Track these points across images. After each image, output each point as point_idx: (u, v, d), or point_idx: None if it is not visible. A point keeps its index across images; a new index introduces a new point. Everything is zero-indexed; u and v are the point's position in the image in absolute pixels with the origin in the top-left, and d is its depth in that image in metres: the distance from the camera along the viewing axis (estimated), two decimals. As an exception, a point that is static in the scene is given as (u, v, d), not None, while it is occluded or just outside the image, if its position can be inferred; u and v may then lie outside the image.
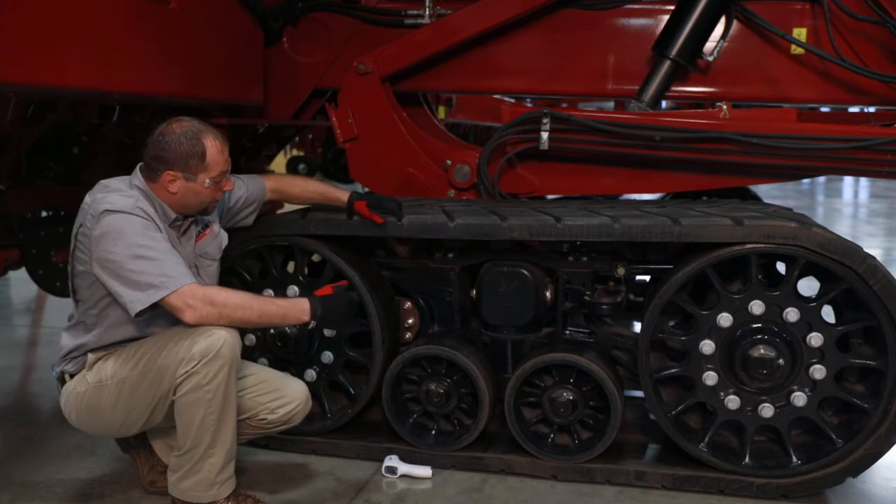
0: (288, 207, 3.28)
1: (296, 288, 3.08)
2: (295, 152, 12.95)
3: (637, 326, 3.01)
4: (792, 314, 2.73)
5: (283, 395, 2.70)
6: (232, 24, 3.51)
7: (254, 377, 2.66)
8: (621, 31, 3.62)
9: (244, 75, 3.61)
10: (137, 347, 2.49)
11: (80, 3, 2.63)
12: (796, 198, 14.00)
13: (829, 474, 2.75)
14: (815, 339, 2.72)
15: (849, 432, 2.75)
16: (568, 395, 2.90)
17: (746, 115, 3.36)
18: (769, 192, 11.26)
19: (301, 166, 12.53)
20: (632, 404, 3.20)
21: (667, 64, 3.40)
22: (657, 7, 3.57)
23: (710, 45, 3.46)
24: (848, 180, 17.34)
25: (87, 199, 2.48)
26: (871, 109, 4.02)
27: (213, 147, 2.50)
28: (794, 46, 3.44)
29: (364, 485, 2.86)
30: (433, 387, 2.99)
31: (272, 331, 3.05)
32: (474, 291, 3.10)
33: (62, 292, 4.17)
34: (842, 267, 2.65)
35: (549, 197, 3.90)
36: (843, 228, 9.98)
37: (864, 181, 16.95)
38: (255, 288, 3.04)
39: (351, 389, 3.12)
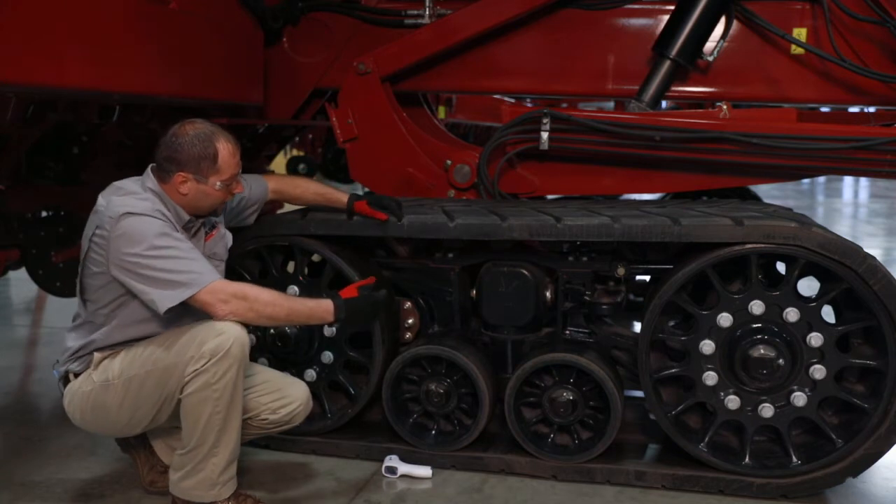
0: (287, 208, 3.28)
1: (296, 288, 3.08)
2: (295, 152, 12.94)
3: (637, 326, 3.01)
4: (792, 314, 2.73)
5: (285, 395, 2.71)
6: (232, 24, 3.51)
7: (255, 377, 2.67)
8: (621, 31, 3.62)
9: (244, 75, 3.61)
10: (145, 346, 2.49)
11: (80, 3, 2.63)
12: (796, 198, 14.00)
13: (829, 474, 2.75)
14: (815, 339, 2.72)
15: (849, 432, 2.75)
16: (568, 395, 2.90)
17: (746, 115, 3.36)
18: (769, 192, 11.26)
19: (301, 166, 12.52)
20: (632, 404, 3.20)
21: (667, 64, 3.40)
22: (657, 7, 3.57)
23: (710, 45, 3.45)
24: (848, 180, 17.34)
25: (101, 201, 2.47)
26: (871, 109, 4.02)
27: (226, 150, 2.52)
28: (794, 46, 3.44)
29: (364, 485, 2.86)
30: (433, 387, 2.99)
31: (272, 330, 3.05)
32: (474, 291, 3.10)
33: (62, 292, 4.18)
34: (842, 267, 2.65)
35: (549, 197, 3.90)
36: (843, 228, 9.98)
37: (864, 181, 16.94)
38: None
39: (351, 389, 3.12)
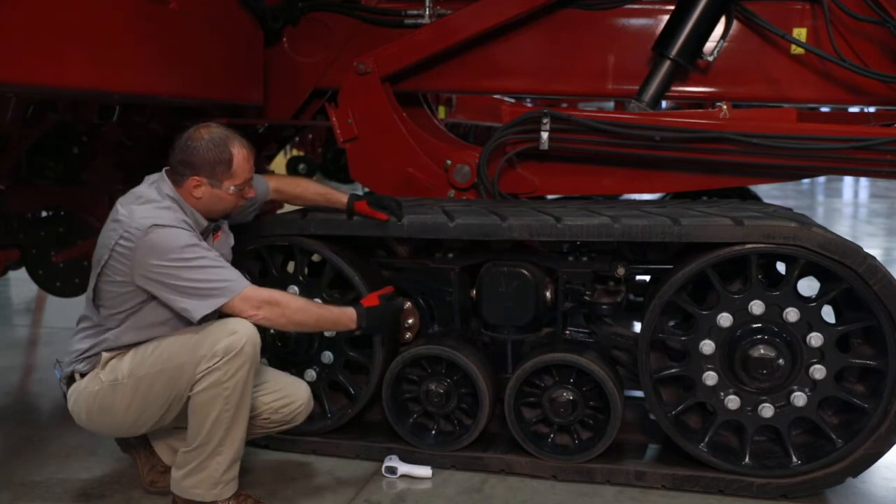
0: (287, 208, 3.28)
1: (296, 288, 3.08)
2: (295, 152, 12.93)
3: (637, 326, 3.01)
4: (792, 314, 2.73)
5: (287, 394, 2.73)
6: (232, 24, 3.51)
7: (258, 376, 2.67)
8: (621, 31, 3.62)
9: (244, 75, 3.61)
10: (156, 345, 2.50)
11: (80, 3, 2.63)
12: (796, 198, 14.00)
13: (829, 474, 2.75)
14: (815, 339, 2.72)
15: (849, 432, 2.75)
16: (568, 395, 2.90)
17: (746, 115, 3.36)
18: (769, 192, 11.26)
19: (301, 166, 12.52)
20: (632, 404, 3.20)
21: (667, 64, 3.40)
22: (657, 7, 3.57)
23: (710, 45, 3.45)
24: (848, 180, 17.34)
25: (122, 210, 2.46)
26: (871, 109, 4.02)
27: (240, 155, 2.53)
28: (794, 46, 3.44)
29: (364, 485, 2.86)
30: (433, 387, 2.99)
31: (272, 330, 3.05)
32: (474, 291, 3.10)
33: (62, 292, 4.18)
34: (842, 267, 2.64)
35: (549, 197, 3.90)
36: (843, 228, 9.97)
37: (864, 181, 16.94)
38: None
39: (351, 389, 3.12)
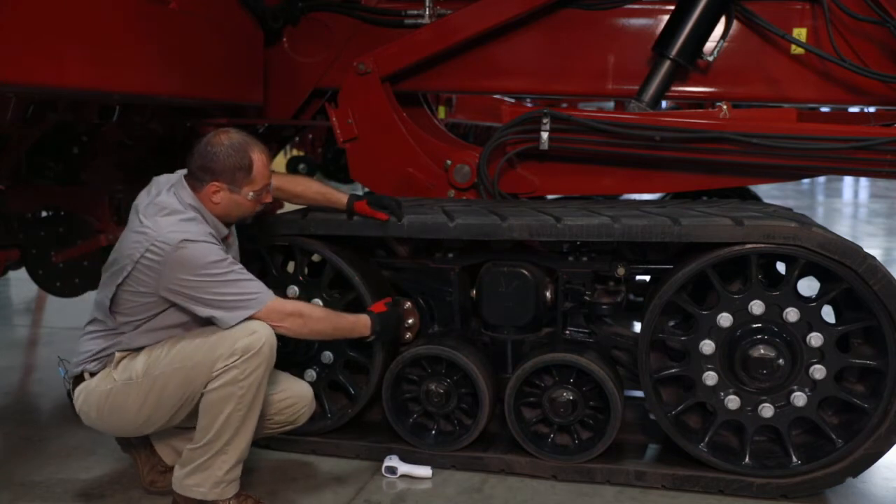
0: (287, 207, 3.28)
1: (296, 288, 3.08)
2: (295, 152, 12.93)
3: (637, 326, 3.01)
4: (792, 314, 2.73)
5: (291, 395, 2.75)
6: (232, 24, 3.51)
7: None
8: (621, 31, 3.62)
9: (244, 75, 3.61)
10: (172, 344, 2.51)
11: (80, 3, 2.63)
12: (796, 198, 14.00)
13: (829, 474, 2.75)
14: (815, 339, 2.72)
15: (849, 432, 2.75)
16: (568, 395, 2.90)
17: (746, 115, 3.36)
18: (769, 192, 11.26)
19: (301, 166, 12.51)
20: (632, 404, 3.20)
21: (667, 64, 3.40)
22: (657, 7, 3.57)
23: (710, 45, 3.45)
24: (848, 180, 17.33)
25: (146, 222, 2.45)
26: (871, 109, 4.02)
27: (260, 161, 2.54)
28: (794, 46, 3.43)
29: (364, 485, 2.86)
30: (433, 387, 2.99)
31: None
32: (474, 291, 3.10)
33: (62, 292, 4.18)
34: (842, 267, 2.65)
35: (549, 197, 3.90)
36: (843, 228, 9.97)
37: (864, 181, 16.94)
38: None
39: (351, 389, 3.12)
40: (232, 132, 2.56)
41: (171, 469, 2.70)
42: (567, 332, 3.09)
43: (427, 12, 3.64)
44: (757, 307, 2.76)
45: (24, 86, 2.58)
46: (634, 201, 3.46)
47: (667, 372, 2.87)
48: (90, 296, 4.19)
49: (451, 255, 3.12)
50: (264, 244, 3.09)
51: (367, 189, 3.67)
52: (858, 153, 3.09)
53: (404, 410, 3.06)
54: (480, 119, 7.99)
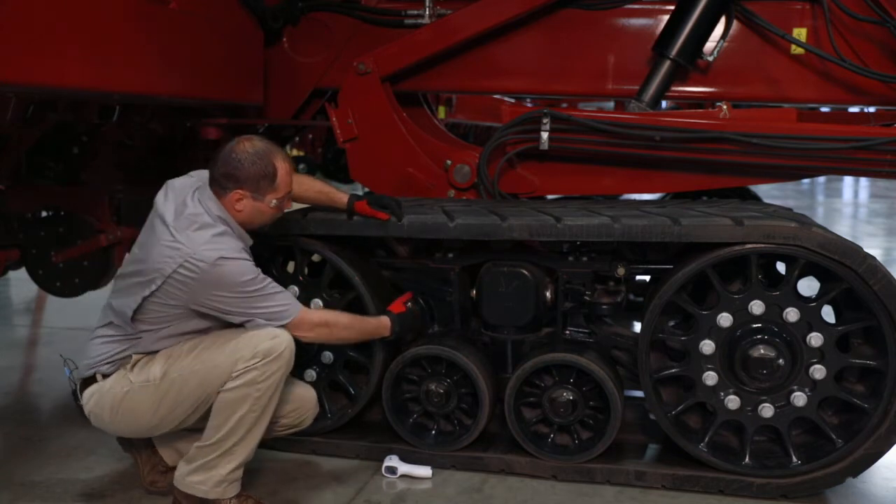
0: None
1: (296, 288, 3.08)
2: (295, 152, 12.92)
3: (637, 326, 3.01)
4: (792, 314, 2.73)
5: (297, 397, 2.77)
6: (232, 24, 3.51)
7: None
8: (621, 31, 3.62)
9: (244, 75, 3.61)
10: (192, 347, 2.52)
11: (80, 3, 2.63)
12: (796, 198, 14.00)
13: (829, 474, 2.75)
14: (815, 339, 2.72)
15: (849, 432, 2.75)
16: (568, 395, 2.90)
17: (746, 115, 3.36)
18: (769, 192, 11.25)
19: (301, 166, 12.51)
20: (632, 404, 3.20)
21: (667, 64, 3.40)
22: (657, 7, 3.57)
23: (710, 45, 3.45)
24: (848, 180, 17.33)
25: (179, 237, 2.43)
26: (871, 109, 4.02)
27: (283, 169, 2.55)
28: (794, 46, 3.43)
29: (364, 485, 2.86)
30: (433, 387, 2.99)
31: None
32: (474, 291, 3.10)
33: (62, 292, 4.18)
34: (842, 267, 2.65)
35: (549, 197, 3.90)
36: (843, 228, 9.97)
37: (864, 181, 16.94)
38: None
39: (351, 389, 3.12)
40: (255, 139, 2.55)
41: (171, 469, 2.70)
42: (567, 332, 3.09)
43: (427, 12, 3.64)
44: (757, 307, 2.76)
45: (24, 86, 2.58)
46: (634, 201, 3.46)
47: (667, 372, 2.87)
48: (90, 296, 4.21)
49: (451, 255, 3.12)
50: (264, 244, 3.09)
51: (366, 189, 3.68)
52: (858, 153, 3.09)
53: (404, 410, 3.07)
54: (480, 119, 7.99)
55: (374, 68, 3.58)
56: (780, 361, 2.74)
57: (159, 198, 2.59)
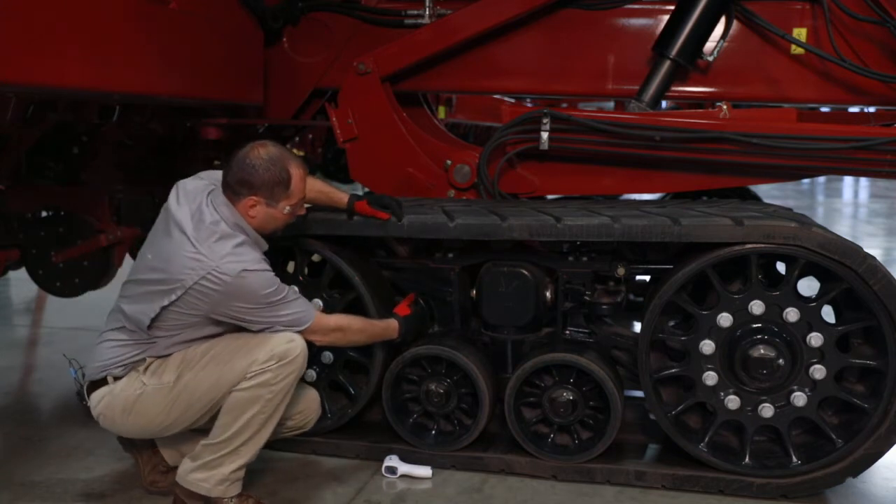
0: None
1: (296, 288, 3.07)
2: (295, 152, 12.93)
3: (637, 326, 3.01)
4: (792, 314, 2.73)
5: (301, 400, 2.79)
6: (232, 24, 3.51)
7: None
8: (621, 31, 3.62)
9: (244, 75, 3.61)
10: (206, 349, 2.52)
11: (80, 3, 2.63)
12: (796, 198, 13.99)
13: (829, 474, 2.75)
14: (815, 339, 2.72)
15: (849, 432, 2.75)
16: (568, 395, 2.90)
17: (746, 115, 3.36)
18: (769, 192, 11.25)
19: (301, 166, 12.49)
20: (632, 404, 3.20)
21: (667, 64, 3.40)
22: (657, 7, 3.57)
23: (710, 45, 3.45)
24: (848, 180, 17.32)
25: (201, 248, 2.41)
26: (871, 109, 4.02)
27: (297, 175, 2.55)
28: (794, 46, 3.43)
29: (364, 485, 2.86)
30: (433, 387, 2.99)
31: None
32: (474, 291, 3.10)
33: (62, 292, 4.18)
34: (842, 267, 2.65)
35: (549, 197, 3.90)
36: (843, 228, 9.97)
37: (864, 181, 16.92)
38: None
39: (351, 389, 3.12)
40: (269, 145, 2.55)
41: (172, 469, 2.70)
42: (567, 332, 3.09)
43: (427, 12, 3.64)
44: (757, 307, 2.76)
45: (24, 86, 2.58)
46: (634, 201, 3.46)
47: (667, 372, 2.87)
48: (90, 296, 4.21)
49: (451, 255, 3.12)
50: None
51: (366, 189, 3.68)
52: (858, 153, 3.09)
53: (404, 410, 3.07)
54: (480, 119, 7.98)
55: (374, 68, 3.58)
56: (780, 361, 2.74)
57: (172, 201, 2.56)
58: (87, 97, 3.23)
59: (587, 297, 3.00)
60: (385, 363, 3.03)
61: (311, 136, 11.38)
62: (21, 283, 5.54)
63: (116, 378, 2.55)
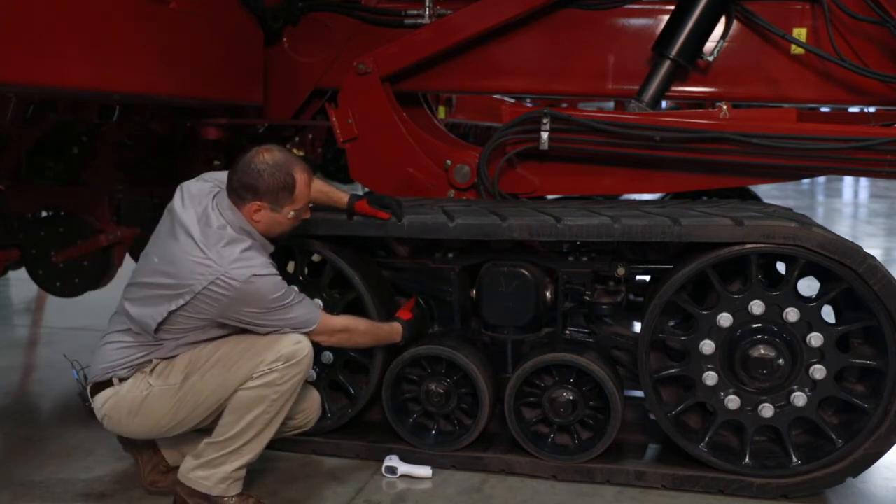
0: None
1: (296, 288, 3.07)
2: (295, 152, 12.93)
3: (637, 326, 3.01)
4: (792, 314, 2.73)
5: (301, 399, 2.77)
6: (232, 24, 3.51)
7: None
8: (621, 31, 3.62)
9: (244, 75, 3.61)
10: (212, 350, 2.52)
11: (80, 3, 2.63)
12: (796, 198, 13.99)
13: (829, 474, 2.75)
14: (815, 339, 2.72)
15: (849, 432, 2.75)
16: (568, 395, 2.90)
17: (746, 115, 3.36)
18: (769, 192, 11.25)
19: (301, 166, 12.49)
20: (632, 404, 3.20)
21: (667, 64, 3.40)
22: (657, 7, 3.57)
23: (710, 45, 3.45)
24: (848, 180, 17.31)
25: (210, 254, 2.41)
26: (871, 109, 4.02)
27: (302, 180, 2.54)
28: (794, 46, 3.43)
29: (364, 485, 2.86)
30: (433, 387, 2.99)
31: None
32: (474, 291, 3.10)
33: (62, 292, 4.18)
34: (842, 267, 2.65)
35: (549, 197, 3.90)
36: (843, 228, 9.97)
37: (864, 181, 16.92)
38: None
39: (351, 389, 3.12)
40: (274, 149, 2.54)
41: (172, 469, 2.71)
42: (567, 332, 3.09)
43: (427, 12, 3.64)
44: (757, 307, 2.76)
45: (24, 86, 2.58)
46: (634, 201, 3.46)
47: (667, 372, 2.87)
48: (90, 296, 4.22)
49: (451, 255, 3.12)
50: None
51: (366, 189, 3.68)
52: (858, 153, 3.09)
53: (404, 410, 3.07)
54: (480, 119, 7.98)
55: (374, 68, 3.57)
56: (780, 361, 2.74)
57: (177, 203, 2.55)
58: (87, 97, 3.23)
59: (587, 297, 3.00)
60: (385, 363, 3.03)
61: (311, 136, 11.36)
62: (21, 283, 5.54)
63: (122, 380, 2.55)
